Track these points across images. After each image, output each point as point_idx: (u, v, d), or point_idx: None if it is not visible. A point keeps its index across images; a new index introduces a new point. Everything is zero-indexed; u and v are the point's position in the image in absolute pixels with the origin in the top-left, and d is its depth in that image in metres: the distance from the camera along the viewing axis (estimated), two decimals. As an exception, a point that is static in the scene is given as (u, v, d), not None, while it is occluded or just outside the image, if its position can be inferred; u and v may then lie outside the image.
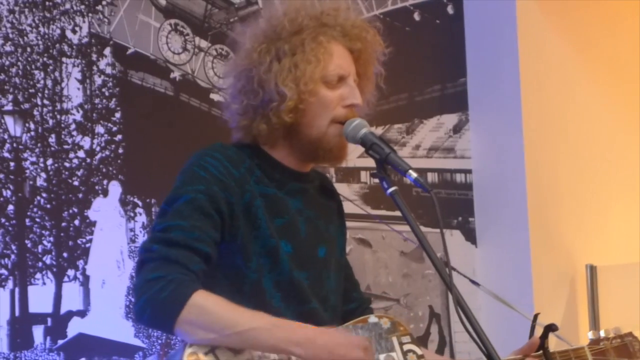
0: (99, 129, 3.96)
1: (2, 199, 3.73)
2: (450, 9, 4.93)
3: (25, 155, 3.80)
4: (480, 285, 2.97)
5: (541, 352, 2.64)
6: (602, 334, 2.82)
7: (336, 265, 2.63)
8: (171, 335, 2.50)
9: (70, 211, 3.86)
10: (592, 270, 4.70)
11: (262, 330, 2.30)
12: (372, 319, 2.52)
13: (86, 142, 3.93)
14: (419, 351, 2.53)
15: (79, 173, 3.90)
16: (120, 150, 3.99)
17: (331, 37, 2.53)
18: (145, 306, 2.32)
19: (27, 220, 3.77)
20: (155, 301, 2.30)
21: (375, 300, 4.41)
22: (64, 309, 3.80)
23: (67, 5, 3.94)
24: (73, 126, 3.91)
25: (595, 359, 2.78)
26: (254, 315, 2.32)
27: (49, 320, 3.78)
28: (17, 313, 3.71)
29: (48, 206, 3.82)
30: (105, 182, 3.95)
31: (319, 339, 2.32)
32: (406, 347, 2.51)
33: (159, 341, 3.93)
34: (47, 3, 3.90)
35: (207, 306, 2.31)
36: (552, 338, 2.68)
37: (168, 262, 2.34)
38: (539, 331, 2.67)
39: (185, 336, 2.34)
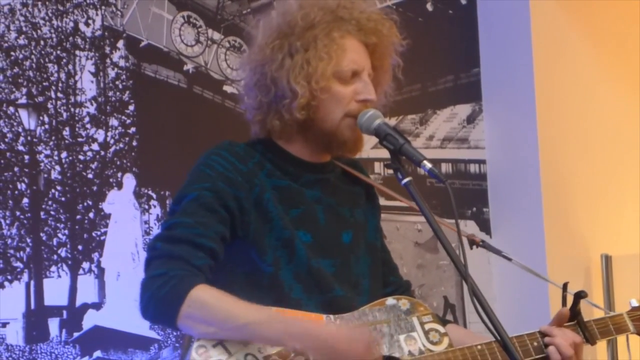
0: (113, 121, 3.97)
1: (17, 192, 3.74)
2: (463, -1, 4.92)
3: (40, 148, 3.80)
4: (512, 259, 2.93)
5: (575, 322, 2.58)
6: None
7: (367, 248, 2.61)
8: (176, 330, 2.51)
9: (85, 204, 3.87)
10: (607, 259, 4.68)
11: (259, 324, 2.30)
12: (390, 301, 2.51)
13: (100, 134, 3.93)
14: (441, 329, 2.52)
15: (93, 166, 3.91)
16: (134, 143, 4.00)
17: (345, 31, 2.52)
18: (149, 303, 2.34)
19: (42, 213, 3.78)
20: (156, 297, 2.32)
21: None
22: (79, 302, 3.81)
23: (80, -2, 3.95)
24: (87, 119, 3.91)
25: (636, 325, 2.68)
26: (254, 309, 2.31)
27: (65, 312, 3.78)
28: (32, 306, 3.72)
29: (63, 199, 3.82)
30: (119, 174, 3.95)
31: (320, 333, 2.31)
32: (428, 327, 2.50)
33: (175, 333, 3.93)
34: (60, -4, 3.91)
35: (206, 300, 2.31)
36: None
37: (171, 258, 2.36)
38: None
39: (188, 330, 2.35)
